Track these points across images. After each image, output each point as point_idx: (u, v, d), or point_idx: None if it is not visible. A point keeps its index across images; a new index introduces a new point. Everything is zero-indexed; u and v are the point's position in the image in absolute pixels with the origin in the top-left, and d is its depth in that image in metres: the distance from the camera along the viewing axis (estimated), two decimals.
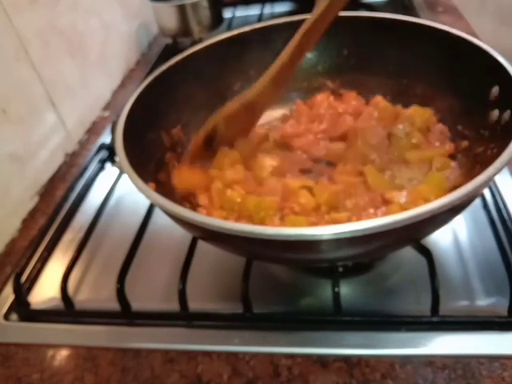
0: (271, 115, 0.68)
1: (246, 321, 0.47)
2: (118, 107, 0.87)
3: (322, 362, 0.43)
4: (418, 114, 0.57)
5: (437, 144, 0.55)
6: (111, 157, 0.73)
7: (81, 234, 0.58)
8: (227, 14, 1.12)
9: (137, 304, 0.50)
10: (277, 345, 0.45)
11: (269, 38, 0.64)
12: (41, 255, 0.57)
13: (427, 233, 0.44)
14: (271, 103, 0.58)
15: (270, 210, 0.48)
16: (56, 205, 0.64)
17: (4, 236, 0.62)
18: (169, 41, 1.07)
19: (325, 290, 0.49)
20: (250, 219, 0.48)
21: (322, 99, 0.64)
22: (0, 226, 0.62)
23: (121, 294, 0.49)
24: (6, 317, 0.52)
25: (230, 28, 1.07)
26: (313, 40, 0.51)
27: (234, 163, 0.55)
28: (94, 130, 0.84)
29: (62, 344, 0.49)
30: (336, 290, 0.45)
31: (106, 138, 0.79)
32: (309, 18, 0.49)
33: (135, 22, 1.05)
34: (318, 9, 0.48)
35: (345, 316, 0.46)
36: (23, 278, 0.54)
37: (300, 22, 0.64)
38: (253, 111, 0.57)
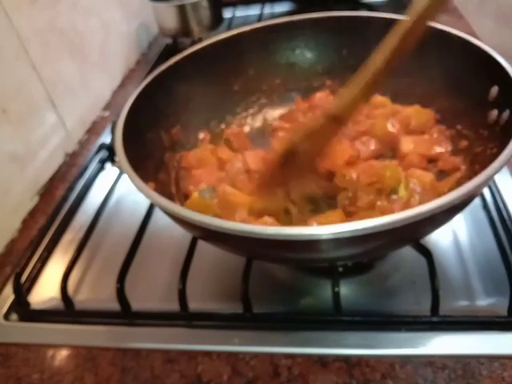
0: (271, 115, 0.68)
1: (245, 321, 0.47)
2: (118, 107, 0.87)
3: (322, 361, 0.43)
4: (417, 114, 0.57)
5: (436, 147, 0.55)
6: (111, 157, 0.73)
7: (81, 234, 0.58)
8: (227, 13, 1.12)
9: (137, 304, 0.50)
10: (277, 345, 0.45)
11: (269, 38, 0.64)
12: (41, 255, 0.57)
13: (427, 232, 0.44)
14: (353, 117, 0.49)
15: None
16: (56, 205, 0.64)
17: (4, 236, 0.62)
18: (169, 41, 1.07)
19: (325, 290, 0.49)
20: None
21: (322, 97, 0.64)
22: (0, 226, 0.62)
23: (121, 293, 0.49)
24: (6, 317, 0.52)
25: (229, 28, 1.07)
26: (410, 43, 0.42)
27: None
28: (94, 130, 0.84)
29: (62, 344, 0.49)
30: (336, 289, 0.45)
31: (106, 138, 0.79)
32: (406, 18, 0.41)
33: (135, 22, 1.05)
34: (418, 7, 0.40)
35: (345, 316, 0.46)
36: (23, 278, 0.54)
37: (300, 22, 0.65)
38: (336, 125, 0.47)
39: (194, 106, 0.61)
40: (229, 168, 0.56)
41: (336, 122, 0.47)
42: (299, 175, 0.51)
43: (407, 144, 0.54)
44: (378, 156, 0.56)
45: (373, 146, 0.56)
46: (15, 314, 0.53)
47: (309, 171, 0.52)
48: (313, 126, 0.48)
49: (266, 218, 0.48)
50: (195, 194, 0.52)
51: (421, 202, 0.48)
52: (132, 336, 0.49)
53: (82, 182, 0.68)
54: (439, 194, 0.47)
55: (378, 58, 0.43)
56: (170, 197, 0.53)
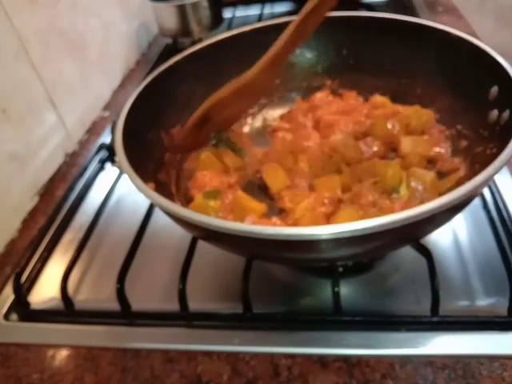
0: (271, 115, 0.68)
1: (245, 321, 0.47)
2: (118, 107, 0.87)
3: (322, 361, 0.43)
4: (416, 115, 0.57)
5: (436, 147, 0.55)
6: (111, 157, 0.73)
7: (81, 234, 0.58)
8: (227, 13, 1.12)
9: (137, 304, 0.50)
10: (277, 345, 0.45)
11: (269, 38, 0.64)
12: (41, 255, 0.57)
13: (427, 232, 0.44)
14: (264, 92, 0.59)
15: None
16: (56, 205, 0.64)
17: (4, 236, 0.62)
18: (169, 41, 1.07)
19: (325, 290, 0.49)
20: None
21: (322, 97, 0.64)
22: (0, 226, 0.62)
23: (121, 293, 0.49)
24: (6, 317, 0.52)
25: (229, 28, 1.07)
26: (306, 32, 0.52)
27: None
28: (94, 130, 0.84)
29: (62, 344, 0.49)
30: (336, 289, 0.45)
31: (106, 138, 0.79)
32: (303, 9, 0.50)
33: (135, 22, 1.05)
34: (312, 2, 0.49)
35: (345, 316, 0.46)
36: (23, 278, 0.54)
37: None
38: (246, 96, 0.57)
39: (194, 105, 0.61)
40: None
41: (243, 92, 0.56)
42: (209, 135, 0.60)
43: (407, 144, 0.54)
44: (380, 157, 0.56)
45: (376, 147, 0.56)
46: (15, 313, 0.53)
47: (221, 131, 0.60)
48: (224, 94, 0.56)
49: (275, 220, 0.49)
50: (199, 197, 0.52)
51: (422, 202, 0.48)
52: (132, 336, 0.49)
53: (82, 181, 0.68)
54: (440, 194, 0.47)
55: (279, 41, 0.52)
56: (170, 197, 0.53)
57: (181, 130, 0.58)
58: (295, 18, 0.50)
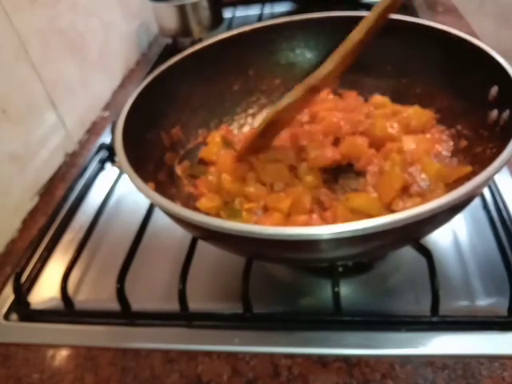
0: None
1: (245, 321, 0.47)
2: (118, 107, 0.87)
3: (322, 362, 0.43)
4: (416, 115, 0.57)
5: (436, 146, 0.55)
6: (111, 157, 0.73)
7: (81, 234, 0.58)
8: (227, 13, 1.12)
9: (137, 304, 0.50)
10: (277, 345, 0.45)
11: (269, 38, 0.64)
12: (41, 255, 0.57)
13: (427, 232, 0.44)
14: (329, 86, 0.57)
15: None
16: (56, 205, 0.64)
17: (4, 236, 0.62)
18: (169, 41, 1.07)
19: (325, 290, 0.49)
20: None
21: (321, 96, 0.64)
22: (0, 226, 0.62)
23: (121, 293, 0.49)
24: (6, 317, 0.52)
25: (229, 28, 1.07)
26: (376, 29, 0.50)
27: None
28: (94, 129, 0.84)
29: (62, 344, 0.49)
30: (336, 289, 0.45)
31: (106, 138, 0.79)
32: (376, 7, 0.48)
33: (135, 22, 1.05)
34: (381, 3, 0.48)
35: (345, 316, 0.46)
36: (23, 278, 0.54)
37: (300, 22, 0.65)
38: (312, 95, 0.54)
39: (193, 105, 0.61)
40: None
41: (313, 91, 0.53)
42: (271, 142, 0.57)
43: (409, 143, 0.54)
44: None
45: None
46: (15, 313, 0.53)
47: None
48: (292, 98, 0.53)
49: (276, 214, 0.49)
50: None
51: (426, 193, 0.48)
52: (132, 336, 0.49)
53: (82, 181, 0.68)
54: (446, 185, 0.48)
55: (353, 35, 0.50)
56: (170, 197, 0.53)
57: (247, 140, 0.56)
58: (368, 15, 0.49)
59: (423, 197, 0.48)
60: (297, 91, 0.53)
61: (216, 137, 0.61)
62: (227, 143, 0.60)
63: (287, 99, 0.53)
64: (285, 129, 0.58)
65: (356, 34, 0.50)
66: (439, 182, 0.49)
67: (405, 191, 0.49)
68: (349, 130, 0.57)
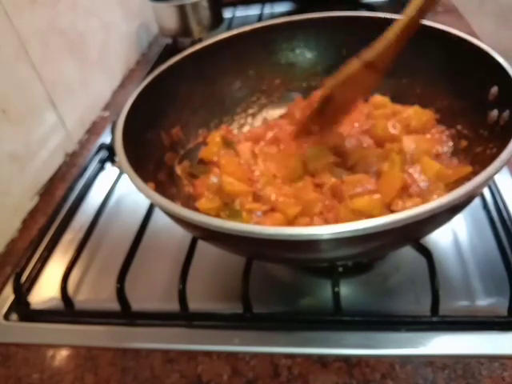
0: (271, 115, 0.68)
1: (245, 321, 0.47)
2: (118, 107, 0.87)
3: (322, 361, 0.43)
4: (416, 115, 0.57)
5: (436, 146, 0.55)
6: (111, 157, 0.73)
7: (81, 234, 0.58)
8: (227, 13, 1.12)
9: (137, 304, 0.50)
10: (277, 345, 0.45)
11: (269, 38, 0.64)
12: (41, 255, 0.57)
13: (427, 232, 0.44)
14: (388, 68, 0.51)
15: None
16: (56, 205, 0.64)
17: (4, 236, 0.62)
18: (169, 41, 1.07)
19: (325, 290, 0.49)
20: None
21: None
22: (0, 226, 0.62)
23: (121, 293, 0.49)
24: (6, 317, 0.52)
25: (229, 28, 1.07)
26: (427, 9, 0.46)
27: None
28: (94, 129, 0.84)
29: (62, 344, 0.49)
30: (336, 289, 0.45)
31: (106, 138, 0.79)
32: None
33: (135, 22, 1.05)
34: None
35: (345, 316, 0.46)
36: (23, 278, 0.54)
37: (300, 22, 0.65)
38: (371, 73, 0.50)
39: (193, 105, 0.61)
40: None
41: (371, 68, 0.50)
42: (333, 122, 0.54)
43: (409, 143, 0.54)
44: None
45: None
46: (15, 313, 0.53)
47: (341, 119, 0.55)
48: (347, 72, 0.50)
49: (278, 215, 0.49)
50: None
51: (425, 193, 0.48)
52: (132, 336, 0.49)
53: (82, 181, 0.68)
54: (447, 185, 0.48)
55: (407, 11, 0.47)
56: (170, 197, 0.53)
57: (307, 107, 0.54)
58: None
59: (423, 197, 0.48)
60: (353, 65, 0.50)
61: (216, 137, 0.61)
62: (227, 143, 0.60)
63: (344, 72, 0.50)
64: (344, 115, 0.55)
65: (410, 11, 0.47)
66: (439, 183, 0.49)
67: (405, 191, 0.49)
68: (349, 131, 0.58)
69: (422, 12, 0.46)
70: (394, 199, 0.48)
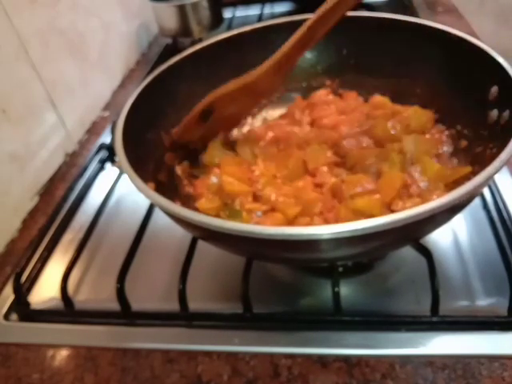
0: (271, 115, 0.68)
1: (245, 321, 0.47)
2: (117, 107, 0.87)
3: (322, 361, 0.43)
4: (416, 115, 0.57)
5: (438, 146, 0.55)
6: (111, 157, 0.73)
7: (81, 234, 0.58)
8: (227, 13, 1.12)
9: (137, 304, 0.50)
10: (277, 345, 0.45)
11: (269, 38, 0.64)
12: (41, 255, 0.57)
13: (427, 232, 0.44)
14: (270, 92, 0.57)
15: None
16: (56, 205, 0.64)
17: (4, 236, 0.62)
18: (169, 41, 1.07)
19: (325, 290, 0.49)
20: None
21: (321, 95, 0.64)
22: (0, 226, 0.62)
23: (121, 293, 0.49)
24: (6, 317, 0.52)
25: (229, 28, 1.07)
26: (318, 35, 0.50)
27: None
28: (94, 129, 0.84)
29: (62, 344, 0.49)
30: (336, 289, 0.45)
31: (106, 138, 0.79)
32: (317, 11, 0.49)
33: (135, 22, 1.05)
34: (327, 4, 0.47)
35: (345, 316, 0.46)
36: (23, 278, 0.54)
37: (300, 22, 0.64)
38: (251, 95, 0.56)
39: (193, 105, 0.61)
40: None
41: (248, 90, 0.55)
42: (212, 133, 0.59)
43: (409, 143, 0.54)
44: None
45: None
46: (15, 313, 0.53)
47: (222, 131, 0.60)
48: (229, 89, 0.55)
49: (278, 215, 0.49)
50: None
51: (429, 194, 0.48)
52: (132, 336, 0.49)
53: (82, 181, 0.68)
54: (446, 185, 0.48)
55: (289, 42, 0.51)
56: (170, 197, 0.53)
57: (185, 120, 0.57)
58: (310, 17, 0.49)
59: (423, 197, 0.48)
60: (232, 84, 0.55)
61: (215, 142, 0.60)
62: (227, 144, 0.60)
63: (223, 89, 0.55)
64: (225, 129, 0.60)
65: (296, 35, 0.50)
66: (439, 182, 0.49)
67: (405, 191, 0.49)
68: (349, 132, 0.58)
69: (306, 42, 0.50)
70: (394, 199, 0.48)
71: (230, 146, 0.60)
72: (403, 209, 0.46)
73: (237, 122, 0.62)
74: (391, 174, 0.50)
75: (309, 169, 0.54)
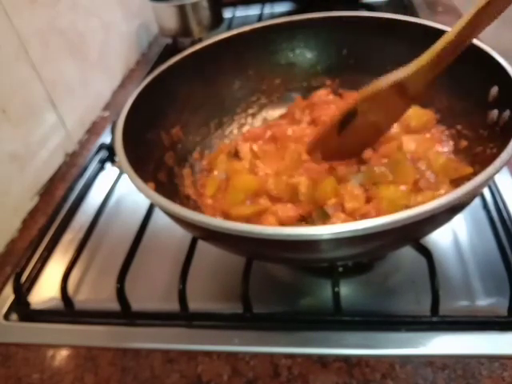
0: (271, 115, 0.68)
1: (245, 321, 0.47)
2: (118, 107, 0.87)
3: (322, 361, 0.43)
4: (416, 115, 0.57)
5: (436, 146, 0.55)
6: (111, 157, 0.73)
7: (81, 234, 0.58)
8: (227, 13, 1.12)
9: (137, 304, 0.50)
10: (277, 345, 0.45)
11: (269, 38, 0.64)
12: (41, 255, 0.57)
13: (427, 232, 0.44)
14: (421, 97, 0.46)
15: None
16: (56, 205, 0.64)
17: (4, 236, 0.62)
18: (169, 41, 1.07)
19: (325, 290, 0.49)
20: None
21: (321, 95, 0.64)
22: (0, 226, 0.62)
23: (121, 293, 0.49)
24: (6, 317, 0.52)
25: (230, 28, 1.07)
26: (489, 18, 0.40)
27: None
28: (94, 129, 0.84)
29: (62, 344, 0.49)
30: (336, 289, 0.45)
31: (106, 138, 0.79)
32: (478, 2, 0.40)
33: (135, 22, 1.05)
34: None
35: (345, 316, 0.46)
36: (23, 278, 0.54)
37: (300, 22, 0.65)
38: (403, 97, 0.46)
39: (193, 105, 0.61)
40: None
41: (399, 91, 0.45)
42: (350, 151, 0.49)
43: (409, 143, 0.54)
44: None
45: None
46: (15, 313, 0.53)
47: (365, 145, 0.50)
48: (377, 89, 0.46)
49: (289, 206, 0.49)
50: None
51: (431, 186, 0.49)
52: (132, 336, 0.49)
53: (82, 181, 0.68)
54: (451, 181, 0.48)
55: (452, 31, 0.42)
56: (170, 197, 0.53)
57: (321, 128, 0.49)
58: (468, 11, 0.40)
59: (433, 189, 0.48)
60: (379, 84, 0.45)
61: (218, 155, 0.60)
62: (233, 155, 0.61)
63: (369, 89, 0.45)
64: (362, 147, 0.51)
65: (457, 28, 0.41)
66: (445, 177, 0.49)
67: (413, 187, 0.49)
68: None
69: (474, 29, 0.40)
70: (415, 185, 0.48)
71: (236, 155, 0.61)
72: (416, 204, 0.46)
73: (380, 133, 0.51)
74: (403, 167, 0.50)
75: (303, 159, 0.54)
